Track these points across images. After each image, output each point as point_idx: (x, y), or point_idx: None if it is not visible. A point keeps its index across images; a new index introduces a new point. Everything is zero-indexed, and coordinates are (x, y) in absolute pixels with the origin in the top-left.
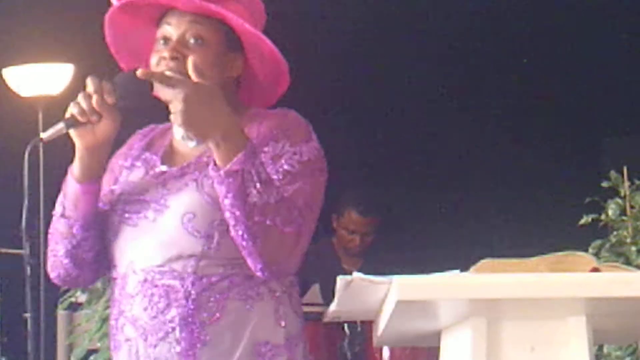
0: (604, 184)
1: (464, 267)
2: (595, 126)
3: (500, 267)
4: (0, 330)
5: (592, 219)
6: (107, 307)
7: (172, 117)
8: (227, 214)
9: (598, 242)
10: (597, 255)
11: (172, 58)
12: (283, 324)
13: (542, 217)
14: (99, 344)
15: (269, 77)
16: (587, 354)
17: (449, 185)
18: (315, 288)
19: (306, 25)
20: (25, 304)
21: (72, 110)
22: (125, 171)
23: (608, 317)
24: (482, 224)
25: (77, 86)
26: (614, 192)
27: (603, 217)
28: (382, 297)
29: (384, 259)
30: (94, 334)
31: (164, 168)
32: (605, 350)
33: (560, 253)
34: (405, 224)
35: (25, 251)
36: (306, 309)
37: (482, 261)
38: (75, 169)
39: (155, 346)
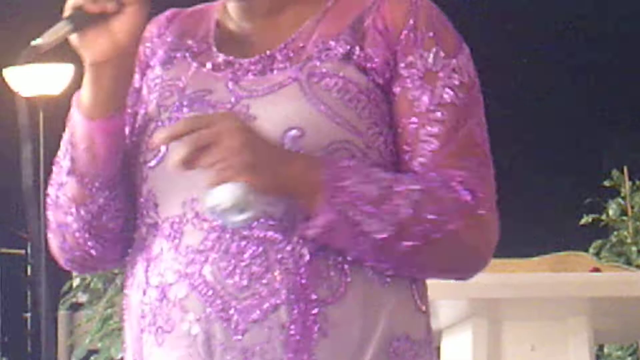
0: (606, 183)
1: None
2: (597, 126)
3: (501, 268)
4: (0, 330)
5: (593, 219)
6: (108, 307)
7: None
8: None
9: (599, 242)
10: (597, 255)
11: None
12: (424, 308)
13: (542, 217)
14: (99, 344)
15: None
16: (587, 353)
17: None
18: None
19: None
20: (26, 304)
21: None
22: (158, 68)
23: (609, 317)
24: None
25: (77, 86)
26: (614, 192)
27: (604, 217)
28: None
29: None
30: (95, 334)
31: (229, 57)
32: (605, 350)
33: (560, 253)
34: None
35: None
36: None
37: None
38: (84, 98)
39: (244, 332)
